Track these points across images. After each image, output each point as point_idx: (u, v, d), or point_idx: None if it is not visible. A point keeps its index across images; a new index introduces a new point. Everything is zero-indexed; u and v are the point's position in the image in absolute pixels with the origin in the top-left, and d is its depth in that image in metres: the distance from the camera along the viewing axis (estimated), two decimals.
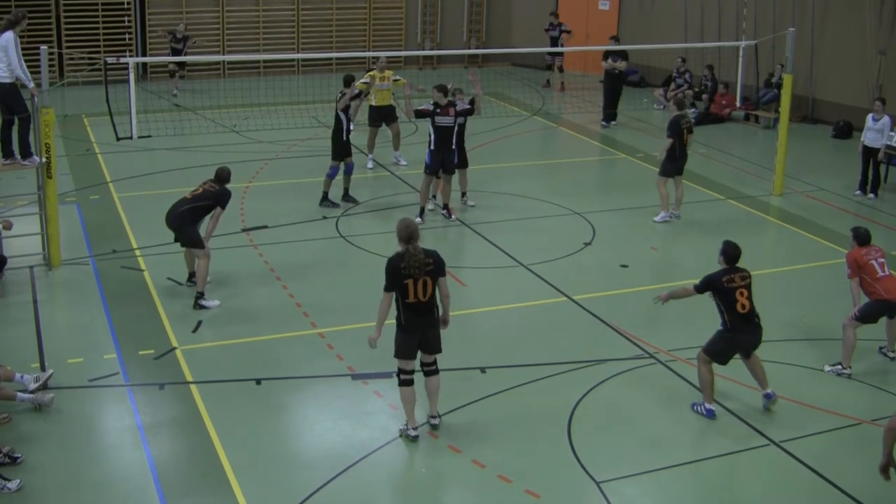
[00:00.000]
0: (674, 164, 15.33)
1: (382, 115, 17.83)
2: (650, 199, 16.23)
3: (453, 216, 15.16)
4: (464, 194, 15.79)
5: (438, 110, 14.64)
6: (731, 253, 9.61)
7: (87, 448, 8.94)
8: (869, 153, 17.04)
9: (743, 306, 9.45)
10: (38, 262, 12.97)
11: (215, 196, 11.84)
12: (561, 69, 26.35)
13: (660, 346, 11.12)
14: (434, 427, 9.24)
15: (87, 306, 11.89)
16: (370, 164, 17.86)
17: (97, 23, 25.09)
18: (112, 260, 13.28)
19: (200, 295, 11.85)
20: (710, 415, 9.63)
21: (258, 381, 10.13)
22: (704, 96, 23.26)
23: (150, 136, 16.90)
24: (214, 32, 26.36)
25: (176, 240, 12.06)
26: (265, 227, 14.64)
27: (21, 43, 12.58)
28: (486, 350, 11.07)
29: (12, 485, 8.18)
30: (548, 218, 15.32)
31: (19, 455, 8.57)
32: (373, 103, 17.65)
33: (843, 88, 21.39)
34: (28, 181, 14.31)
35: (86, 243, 13.86)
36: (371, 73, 17.60)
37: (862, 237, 11.01)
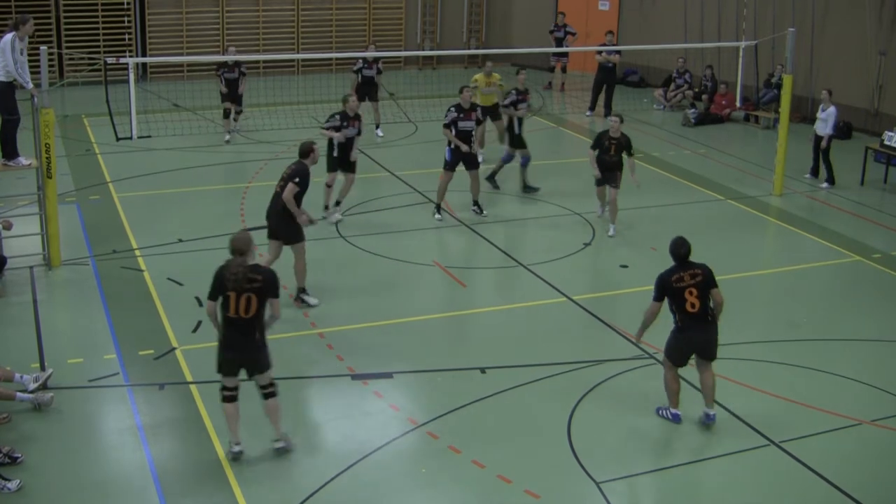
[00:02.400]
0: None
1: (486, 112, 18.11)
2: (651, 200, 16.23)
3: (484, 212, 15.25)
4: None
5: (461, 115, 14.77)
6: (676, 250, 9.32)
7: (87, 448, 8.94)
8: (819, 141, 17.65)
9: (692, 305, 9.14)
10: (38, 262, 12.97)
11: (290, 175, 11.65)
12: (564, 70, 26.37)
13: (660, 346, 11.08)
14: (280, 451, 8.75)
15: (87, 307, 11.89)
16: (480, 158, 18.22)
17: (97, 23, 25.07)
18: (112, 260, 13.27)
19: (303, 290, 11.92)
20: (676, 419, 9.51)
21: None
22: (704, 96, 23.26)
23: (149, 137, 16.90)
24: (214, 33, 26.35)
25: (270, 236, 11.84)
26: (266, 227, 14.60)
27: (17, 46, 12.58)
28: (487, 350, 11.07)
29: (12, 485, 8.18)
30: (548, 218, 15.32)
31: (19, 455, 8.57)
32: (478, 103, 18.03)
33: (844, 89, 21.34)
34: (28, 181, 14.30)
35: (86, 243, 13.86)
36: (477, 77, 18.19)
37: None
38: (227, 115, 19.48)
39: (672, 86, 23.97)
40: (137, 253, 13.53)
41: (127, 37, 25.31)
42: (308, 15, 27.21)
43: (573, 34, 25.32)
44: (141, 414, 9.48)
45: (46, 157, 12.61)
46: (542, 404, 9.84)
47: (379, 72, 20.11)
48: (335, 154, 14.72)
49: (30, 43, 12.81)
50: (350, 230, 14.62)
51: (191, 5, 26.02)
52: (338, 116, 14.70)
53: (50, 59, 12.73)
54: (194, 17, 26.13)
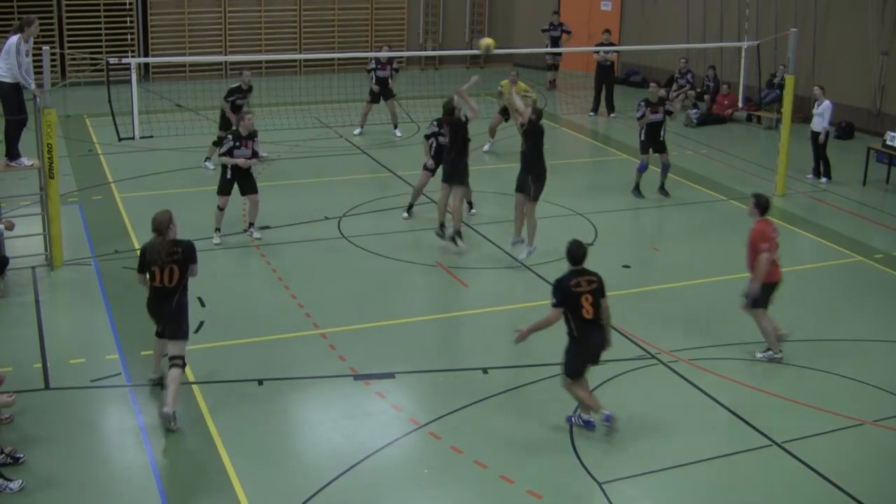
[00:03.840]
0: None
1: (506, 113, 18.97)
2: (651, 201, 16.23)
3: (473, 209, 15.37)
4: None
5: (441, 129, 14.45)
6: (574, 253, 9.17)
7: (89, 448, 8.94)
8: (814, 137, 17.71)
9: (587, 311, 9.01)
10: (40, 262, 12.98)
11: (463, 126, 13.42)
12: (556, 67, 26.46)
13: (662, 346, 11.12)
14: (169, 421, 9.10)
15: (89, 307, 11.90)
16: (486, 147, 19.18)
17: (99, 23, 25.11)
18: (114, 260, 13.28)
19: (458, 233, 13.57)
20: (589, 426, 9.34)
21: (260, 382, 10.14)
22: (706, 97, 23.25)
23: (151, 137, 16.90)
24: (216, 33, 26.37)
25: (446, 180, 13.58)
26: (267, 227, 14.64)
27: (23, 47, 12.60)
28: (489, 350, 11.07)
29: (14, 485, 8.18)
30: (549, 219, 15.29)
31: (21, 455, 8.57)
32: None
33: (846, 89, 21.36)
34: (30, 181, 14.32)
35: (88, 244, 13.87)
36: (503, 83, 18.76)
37: (764, 206, 10.99)
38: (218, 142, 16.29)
39: (674, 86, 23.95)
40: (139, 253, 13.50)
41: (129, 37, 25.35)
42: (310, 15, 27.23)
43: (568, 33, 25.37)
44: (143, 414, 9.48)
45: (49, 158, 12.63)
46: (544, 404, 9.84)
47: (396, 70, 20.10)
48: (228, 176, 13.76)
49: (33, 43, 12.83)
50: (352, 230, 14.63)
51: (193, 6, 26.05)
52: (230, 137, 13.81)
53: (52, 60, 12.74)
54: (196, 18, 26.16)
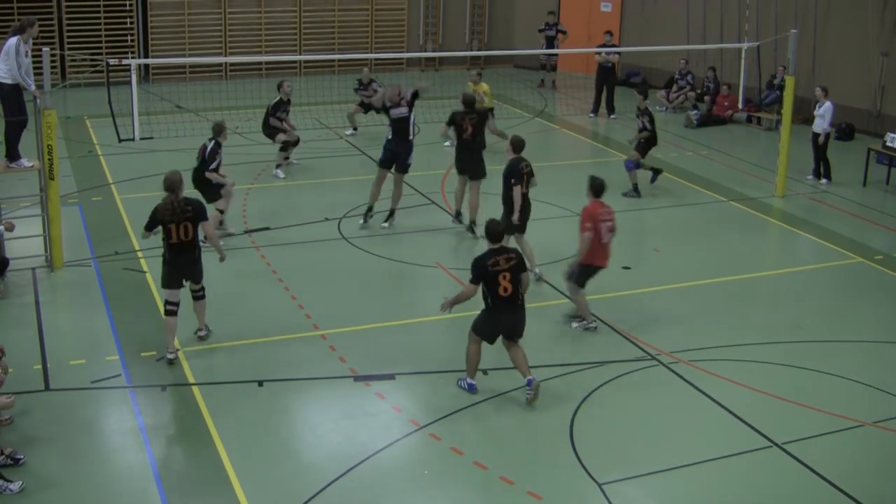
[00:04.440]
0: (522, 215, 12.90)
1: None
2: (651, 201, 16.22)
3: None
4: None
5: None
6: (493, 231, 9.62)
7: (89, 449, 8.94)
8: (815, 139, 17.68)
9: (505, 289, 9.51)
10: (41, 263, 12.98)
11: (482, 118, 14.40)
12: (554, 68, 26.47)
13: (661, 347, 11.11)
14: (202, 339, 10.88)
15: (89, 308, 11.90)
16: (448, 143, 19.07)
17: (99, 24, 25.11)
18: (114, 262, 13.28)
19: (473, 223, 14.19)
20: (472, 389, 9.88)
21: (260, 383, 10.13)
22: (707, 98, 23.25)
23: (151, 138, 16.92)
24: (217, 34, 26.37)
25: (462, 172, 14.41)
26: (267, 228, 14.65)
27: (23, 48, 12.60)
28: (488, 352, 11.06)
29: (14, 486, 8.18)
30: (549, 220, 15.28)
31: (22, 456, 8.57)
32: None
33: (846, 90, 21.35)
34: (30, 183, 14.31)
35: (88, 245, 13.87)
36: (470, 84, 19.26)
37: (597, 188, 11.37)
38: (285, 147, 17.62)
39: (675, 87, 23.96)
40: (140, 254, 13.54)
41: (129, 38, 25.35)
42: (310, 16, 27.24)
43: (564, 33, 25.41)
44: (143, 415, 9.48)
45: (49, 159, 12.62)
46: (544, 406, 9.83)
47: (375, 91, 19.29)
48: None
49: (32, 44, 12.84)
50: (352, 232, 14.63)
51: (193, 7, 26.05)
52: (213, 143, 13.84)
53: (52, 61, 12.74)
54: (196, 19, 26.16)
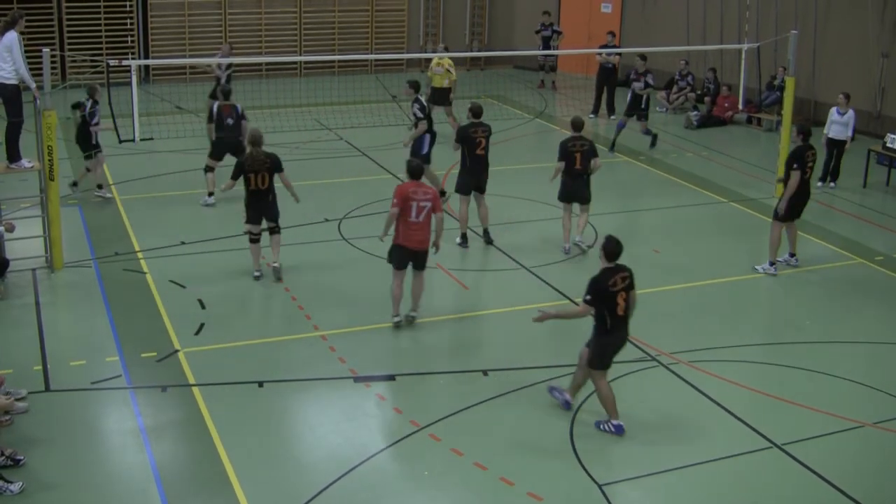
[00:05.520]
0: (564, 191, 13.93)
1: (435, 94, 19.81)
2: (652, 202, 16.22)
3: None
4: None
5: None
6: (611, 250, 9.19)
7: (89, 450, 8.94)
8: (833, 145, 17.46)
9: (623, 309, 9.12)
10: (41, 264, 12.98)
11: (490, 134, 14.02)
12: (553, 69, 26.48)
13: (661, 347, 11.11)
14: (276, 270, 12.58)
15: (89, 309, 11.90)
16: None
17: (99, 25, 25.11)
18: (114, 262, 13.28)
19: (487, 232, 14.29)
20: (620, 430, 9.30)
21: (260, 384, 10.14)
22: (707, 99, 23.25)
23: (152, 139, 16.92)
24: (217, 35, 26.37)
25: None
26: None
27: (23, 45, 12.60)
28: (488, 352, 11.08)
29: (14, 487, 8.18)
30: (550, 221, 15.29)
31: (22, 457, 8.57)
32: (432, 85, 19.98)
33: (846, 91, 21.36)
34: (30, 183, 14.31)
35: (88, 246, 13.86)
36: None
37: (413, 172, 11.20)
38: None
39: (675, 88, 23.96)
40: (140, 255, 13.54)
41: (129, 39, 25.35)
42: (310, 17, 27.24)
43: (559, 33, 25.44)
44: (143, 416, 9.48)
45: (49, 160, 12.62)
46: (544, 406, 9.83)
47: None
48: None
49: (32, 45, 12.84)
50: (352, 232, 14.63)
51: (193, 7, 26.05)
52: (91, 102, 15.39)
53: (52, 62, 12.74)
54: (197, 20, 26.16)
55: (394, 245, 11.32)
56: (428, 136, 15.29)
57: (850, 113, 17.32)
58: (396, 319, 11.41)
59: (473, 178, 14.00)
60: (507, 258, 13.82)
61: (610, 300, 9.04)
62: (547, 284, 12.92)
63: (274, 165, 12.36)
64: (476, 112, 13.89)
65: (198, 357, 10.65)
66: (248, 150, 12.39)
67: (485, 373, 10.46)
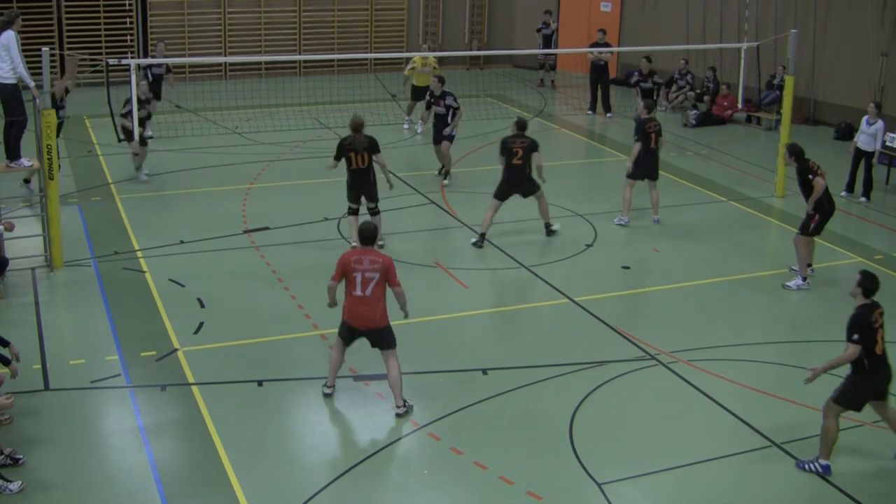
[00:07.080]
0: (639, 168, 15.08)
1: (420, 92, 19.77)
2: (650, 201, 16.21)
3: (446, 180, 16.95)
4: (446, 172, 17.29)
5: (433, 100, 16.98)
6: (870, 286, 8.78)
7: (88, 450, 8.94)
8: (860, 155, 17.07)
9: (880, 347, 8.68)
10: (40, 263, 12.97)
11: (532, 146, 14.07)
12: (553, 67, 26.50)
13: (661, 347, 11.11)
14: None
15: (88, 308, 11.89)
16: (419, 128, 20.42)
17: (99, 24, 25.10)
18: (114, 261, 13.28)
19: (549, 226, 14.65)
20: (827, 471, 8.77)
21: (260, 383, 10.14)
22: (706, 98, 23.24)
23: (151, 138, 16.90)
24: (216, 34, 26.36)
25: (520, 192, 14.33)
26: (267, 228, 14.64)
27: (22, 44, 12.61)
28: (488, 352, 11.08)
29: (14, 486, 8.18)
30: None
31: (21, 456, 8.57)
32: (414, 83, 20.51)
33: (845, 90, 21.36)
34: (30, 183, 14.31)
35: (87, 245, 13.85)
36: (415, 58, 20.42)
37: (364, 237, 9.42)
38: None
39: (674, 87, 23.96)
40: (139, 254, 13.54)
41: (129, 38, 25.33)
42: (310, 16, 27.22)
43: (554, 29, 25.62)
44: (143, 415, 9.48)
45: (48, 159, 12.62)
46: (544, 406, 9.84)
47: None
48: None
49: (32, 44, 12.84)
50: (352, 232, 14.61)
51: (192, 7, 26.03)
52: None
53: (51, 61, 12.73)
54: (196, 19, 26.14)
55: (342, 318, 9.74)
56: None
57: (880, 123, 16.74)
58: (327, 391, 9.80)
59: (511, 187, 14.27)
60: (507, 257, 13.82)
61: (870, 338, 8.64)
62: (546, 283, 12.92)
63: (372, 146, 13.23)
64: (521, 125, 14.28)
65: (197, 356, 10.65)
66: (350, 135, 13.25)
67: (484, 372, 10.46)
